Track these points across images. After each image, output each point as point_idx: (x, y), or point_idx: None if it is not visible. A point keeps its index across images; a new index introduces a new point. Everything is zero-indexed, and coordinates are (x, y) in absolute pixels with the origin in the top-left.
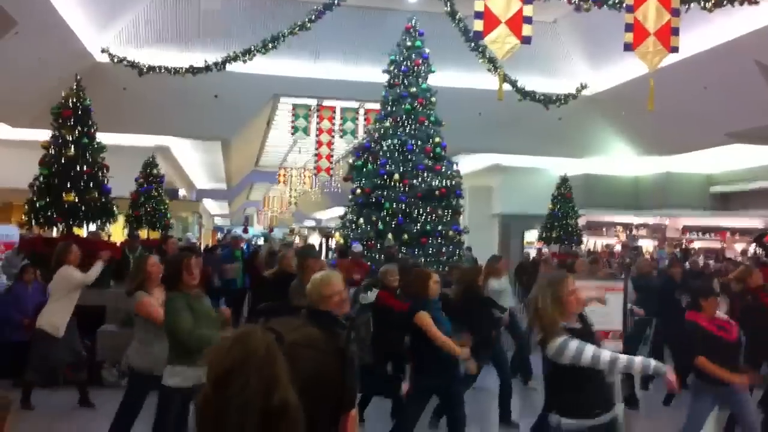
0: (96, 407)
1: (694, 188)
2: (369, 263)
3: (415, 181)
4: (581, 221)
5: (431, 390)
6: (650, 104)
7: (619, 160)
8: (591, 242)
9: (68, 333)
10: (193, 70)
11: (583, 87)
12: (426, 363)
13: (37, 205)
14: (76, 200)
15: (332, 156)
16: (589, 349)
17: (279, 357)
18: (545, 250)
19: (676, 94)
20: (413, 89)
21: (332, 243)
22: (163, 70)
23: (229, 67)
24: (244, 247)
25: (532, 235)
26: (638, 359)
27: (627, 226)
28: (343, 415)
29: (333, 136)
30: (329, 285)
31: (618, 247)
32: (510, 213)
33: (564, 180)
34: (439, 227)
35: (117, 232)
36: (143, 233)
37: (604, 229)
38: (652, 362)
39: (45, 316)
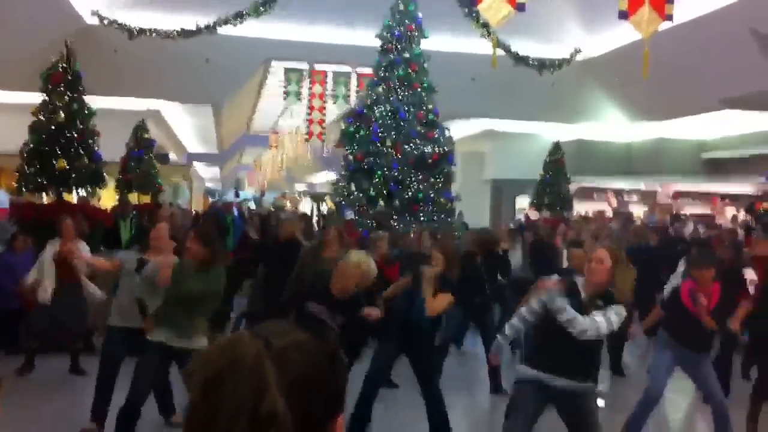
0: (87, 374)
1: (686, 154)
2: (360, 230)
3: (407, 147)
4: (573, 187)
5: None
6: (644, 73)
7: (612, 125)
8: (582, 208)
9: (73, 301)
10: (184, 33)
11: (577, 52)
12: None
13: (28, 171)
14: (67, 167)
15: (324, 121)
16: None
17: (267, 363)
18: (534, 216)
19: (670, 60)
20: (406, 55)
21: (323, 208)
22: (153, 33)
23: (220, 30)
24: (235, 212)
25: (524, 201)
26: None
27: (619, 192)
28: (334, 418)
29: (325, 101)
30: (366, 274)
31: (609, 214)
32: (502, 178)
33: (556, 146)
34: (431, 194)
35: (108, 197)
36: (134, 198)
37: (595, 195)
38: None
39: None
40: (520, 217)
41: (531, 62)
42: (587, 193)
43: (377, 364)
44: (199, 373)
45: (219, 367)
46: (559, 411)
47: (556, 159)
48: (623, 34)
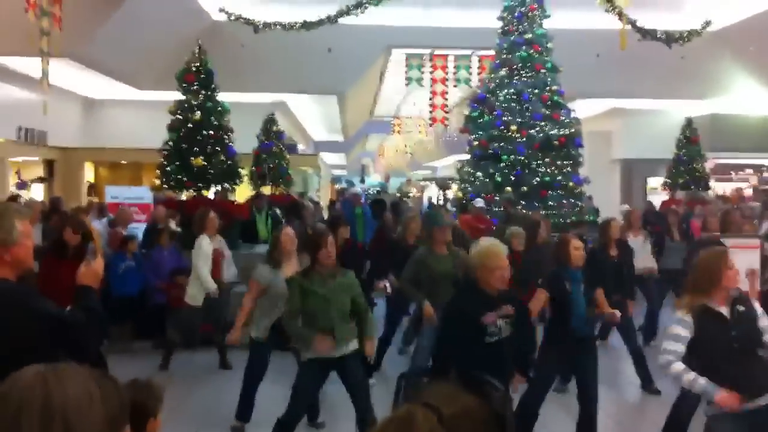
0: (233, 368)
1: None
2: (490, 217)
3: (532, 131)
4: (708, 165)
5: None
6: None
7: (748, 98)
8: (720, 187)
9: (213, 300)
10: (306, 25)
11: (708, 23)
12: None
13: (168, 169)
14: (204, 163)
15: (447, 105)
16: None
17: None
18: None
19: None
20: (528, 35)
21: (449, 194)
22: (277, 27)
23: (341, 20)
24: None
25: (655, 181)
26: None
27: (758, 168)
28: None
29: (447, 86)
30: (496, 257)
31: (749, 191)
32: (632, 158)
33: (689, 122)
34: (559, 178)
35: (241, 190)
36: (266, 189)
37: (732, 173)
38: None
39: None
40: (653, 198)
41: (659, 35)
42: (724, 170)
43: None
44: None
45: None
46: None
47: (690, 136)
48: (756, 1)
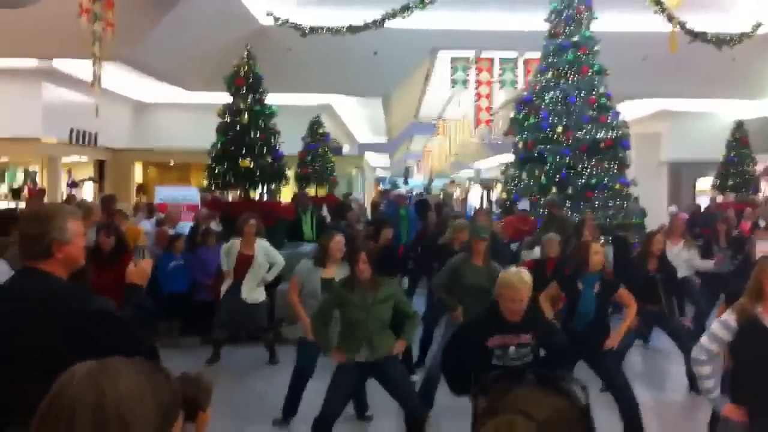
0: (280, 363)
1: None
2: (534, 218)
3: (578, 133)
4: (759, 167)
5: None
6: None
7: None
8: None
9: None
10: (352, 29)
11: (759, 25)
12: None
13: (216, 170)
14: (251, 165)
15: (491, 108)
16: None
17: None
18: (719, 199)
19: None
20: (575, 38)
21: (493, 195)
22: (324, 30)
23: (387, 23)
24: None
25: (704, 183)
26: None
27: None
28: None
29: (492, 88)
30: (509, 288)
31: None
32: (680, 160)
33: (739, 124)
34: (605, 180)
35: (286, 191)
36: (311, 191)
37: None
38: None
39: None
40: (701, 200)
41: (709, 38)
42: None
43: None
44: None
45: None
46: None
47: (740, 138)
48: None
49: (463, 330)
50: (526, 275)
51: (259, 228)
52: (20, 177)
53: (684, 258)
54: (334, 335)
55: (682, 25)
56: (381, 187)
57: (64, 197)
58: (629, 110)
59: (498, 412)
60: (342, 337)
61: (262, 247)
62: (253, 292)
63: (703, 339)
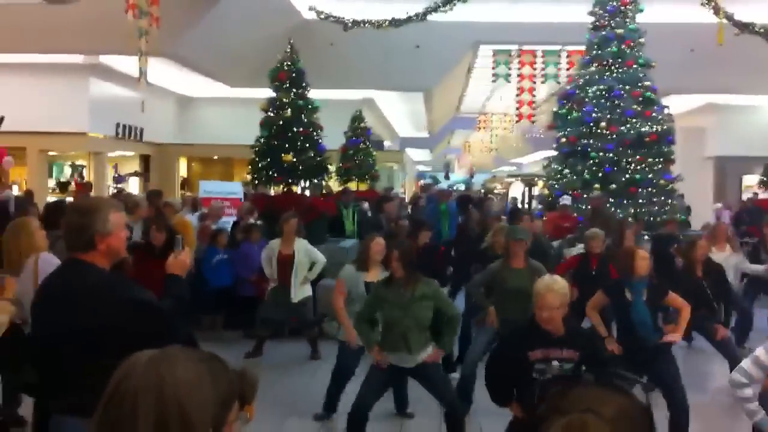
0: (321, 358)
1: None
2: (576, 215)
3: (623, 127)
4: None
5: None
6: None
7: None
8: None
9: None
10: (395, 22)
11: None
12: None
13: (259, 165)
14: (294, 160)
15: (534, 102)
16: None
17: None
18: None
19: None
20: (620, 31)
21: (535, 191)
22: (366, 24)
23: (429, 17)
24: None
25: (751, 179)
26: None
27: None
28: None
29: (534, 82)
30: (540, 297)
31: None
32: (726, 155)
33: None
34: (650, 176)
35: (332, 185)
36: (353, 185)
37: None
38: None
39: None
40: (749, 196)
41: (758, 29)
42: None
43: None
44: None
45: None
46: None
47: None
48: None
49: (505, 342)
50: (555, 283)
51: (299, 227)
52: (67, 171)
53: (732, 263)
54: (377, 335)
55: (729, 17)
56: (422, 182)
57: (111, 191)
58: (675, 104)
59: (563, 411)
60: (382, 335)
61: (301, 245)
62: (299, 291)
63: (746, 362)
